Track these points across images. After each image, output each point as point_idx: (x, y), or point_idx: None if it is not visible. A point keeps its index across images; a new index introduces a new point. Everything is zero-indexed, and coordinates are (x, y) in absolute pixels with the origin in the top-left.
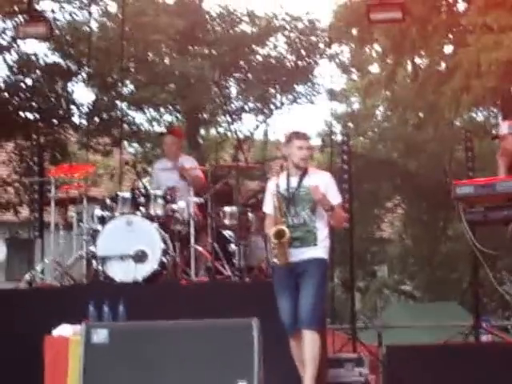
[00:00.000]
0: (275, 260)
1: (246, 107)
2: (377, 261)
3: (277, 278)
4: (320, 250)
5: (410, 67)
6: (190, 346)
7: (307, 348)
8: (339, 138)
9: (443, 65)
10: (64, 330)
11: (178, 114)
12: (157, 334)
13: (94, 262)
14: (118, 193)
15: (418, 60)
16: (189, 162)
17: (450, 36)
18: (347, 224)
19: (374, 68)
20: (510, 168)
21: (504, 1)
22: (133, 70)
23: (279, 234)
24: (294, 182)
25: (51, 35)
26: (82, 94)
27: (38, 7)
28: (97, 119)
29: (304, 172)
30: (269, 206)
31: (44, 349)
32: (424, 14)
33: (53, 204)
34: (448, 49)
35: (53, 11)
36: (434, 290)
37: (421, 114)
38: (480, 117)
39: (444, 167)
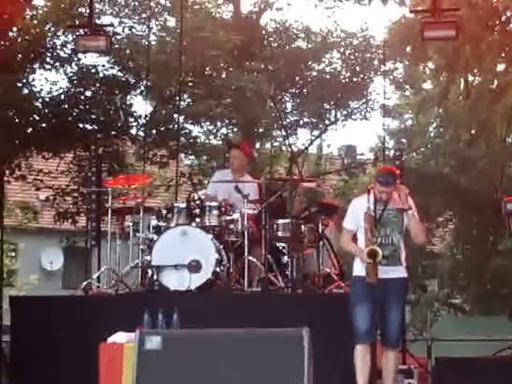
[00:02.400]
0: (368, 279)
1: (301, 122)
2: (428, 274)
3: (358, 288)
4: (404, 269)
5: (462, 85)
6: (241, 355)
7: (392, 364)
8: (392, 153)
9: (496, 83)
10: (119, 338)
11: (233, 128)
12: (209, 341)
13: (149, 270)
14: (174, 203)
15: (470, 78)
16: (252, 189)
17: (503, 55)
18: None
19: (428, 85)
20: None
21: None
22: (190, 83)
23: (372, 254)
24: (381, 204)
25: (110, 49)
26: (140, 106)
27: (98, 21)
28: (154, 131)
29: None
30: (350, 223)
31: (99, 355)
32: (477, 32)
33: (110, 214)
34: (501, 67)
35: (112, 25)
36: (484, 304)
37: (473, 131)
38: None
39: (495, 183)
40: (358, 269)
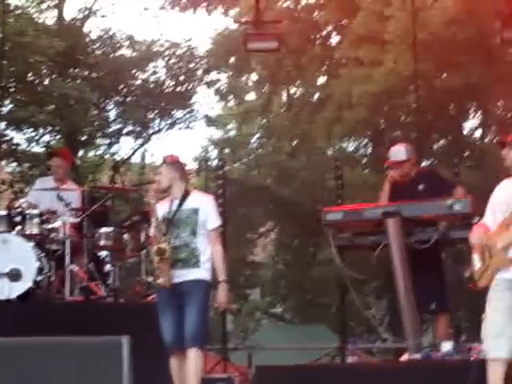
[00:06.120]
0: (159, 281)
1: (125, 130)
2: (249, 284)
3: (159, 298)
4: (203, 270)
5: (285, 96)
6: (60, 362)
7: (191, 365)
8: (215, 163)
9: (316, 95)
10: None
11: (56, 135)
12: (26, 349)
13: None
14: None
15: (292, 90)
16: (74, 197)
17: (324, 68)
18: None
19: (251, 96)
20: (390, 195)
21: (374, 37)
22: (12, 89)
23: (159, 252)
24: (175, 205)
25: None
26: None
27: None
28: None
29: (185, 195)
30: (153, 230)
31: None
32: (299, 45)
33: None
34: (321, 80)
35: None
36: (305, 313)
37: (294, 142)
38: (351, 147)
39: (315, 194)
40: None
